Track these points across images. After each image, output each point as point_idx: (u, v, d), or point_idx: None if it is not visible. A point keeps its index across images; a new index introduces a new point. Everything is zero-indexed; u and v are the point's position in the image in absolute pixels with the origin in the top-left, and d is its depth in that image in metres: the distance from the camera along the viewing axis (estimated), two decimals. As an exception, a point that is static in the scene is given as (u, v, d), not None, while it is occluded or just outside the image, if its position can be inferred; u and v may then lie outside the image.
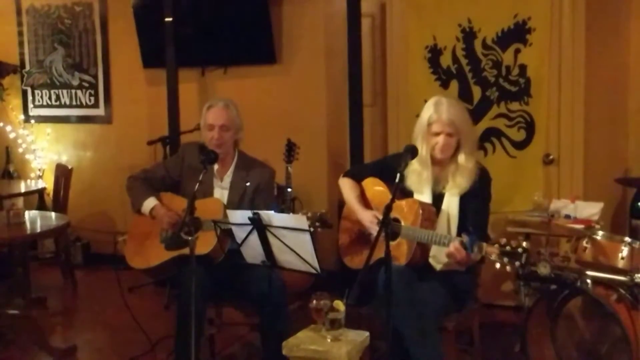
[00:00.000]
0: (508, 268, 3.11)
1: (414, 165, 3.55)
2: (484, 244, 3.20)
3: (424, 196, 3.62)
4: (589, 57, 4.89)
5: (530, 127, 5.06)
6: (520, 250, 3.08)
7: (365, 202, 3.81)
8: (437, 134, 3.52)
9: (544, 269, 3.70)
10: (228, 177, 4.01)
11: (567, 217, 4.30)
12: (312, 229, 3.28)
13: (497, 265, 3.14)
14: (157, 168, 4.25)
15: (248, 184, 3.96)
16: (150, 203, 3.95)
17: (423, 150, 3.53)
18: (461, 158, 3.55)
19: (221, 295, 3.91)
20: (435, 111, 3.51)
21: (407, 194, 3.63)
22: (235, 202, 3.88)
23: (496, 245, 3.15)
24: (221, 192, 3.98)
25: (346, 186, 3.88)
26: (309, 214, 3.49)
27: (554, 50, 4.93)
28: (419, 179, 3.59)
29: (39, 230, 4.81)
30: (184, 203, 3.70)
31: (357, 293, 2.74)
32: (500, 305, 5.09)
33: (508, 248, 3.10)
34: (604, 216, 4.44)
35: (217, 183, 4.00)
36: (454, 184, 3.55)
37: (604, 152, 5.10)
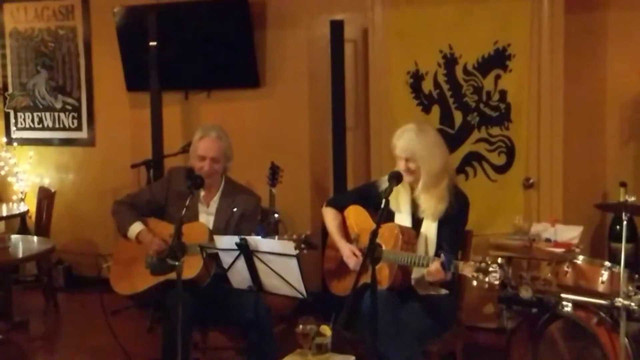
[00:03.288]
0: (486, 285, 3.18)
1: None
2: (460, 263, 3.29)
3: (404, 215, 3.72)
4: (567, 83, 4.97)
5: (510, 152, 5.14)
6: (494, 266, 3.16)
7: (345, 231, 3.90)
8: (400, 159, 3.67)
9: (525, 293, 3.75)
10: (214, 203, 4.03)
11: (548, 240, 4.36)
12: (297, 252, 3.32)
13: (474, 283, 3.21)
14: (142, 193, 4.26)
15: (235, 209, 3.98)
16: (136, 228, 3.96)
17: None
18: (423, 182, 3.64)
19: (207, 320, 3.93)
20: (397, 138, 3.70)
21: (389, 215, 3.69)
22: (221, 228, 3.90)
23: (471, 263, 3.24)
24: (207, 218, 4.00)
25: (328, 216, 3.98)
26: (294, 236, 3.53)
27: (533, 76, 5.01)
28: (397, 199, 3.70)
29: (23, 255, 4.80)
30: (169, 228, 3.73)
31: (345, 318, 2.78)
32: (481, 327, 5.13)
33: (483, 265, 3.18)
34: (583, 239, 4.51)
35: (202, 208, 4.02)
36: (430, 209, 3.65)
37: (583, 176, 5.18)
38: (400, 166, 3.66)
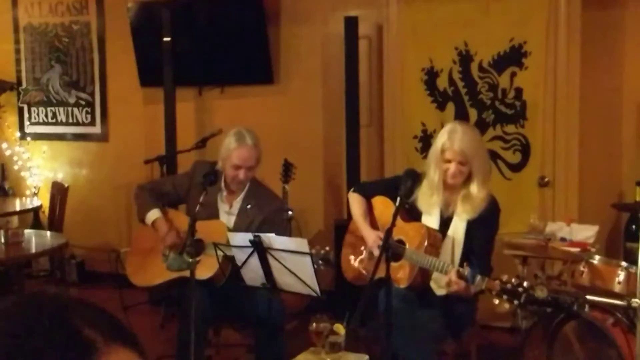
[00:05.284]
0: (506, 305, 3.11)
1: (425, 187, 3.59)
2: (486, 278, 3.18)
3: (432, 218, 3.63)
4: (583, 81, 4.94)
5: (525, 150, 5.10)
6: (520, 290, 3.05)
7: (371, 220, 3.82)
8: (449, 161, 3.52)
9: (540, 293, 3.70)
10: (237, 204, 3.92)
11: (563, 239, 4.33)
12: (315, 267, 3.27)
13: (496, 302, 3.13)
14: (165, 182, 4.24)
15: (252, 208, 3.89)
16: (153, 214, 3.92)
17: (436, 175, 3.54)
18: (473, 187, 3.54)
19: (221, 317, 3.92)
20: (449, 138, 3.51)
21: (416, 214, 3.64)
22: (242, 230, 3.77)
23: (497, 282, 3.12)
24: (227, 218, 3.90)
25: (355, 201, 3.87)
26: (313, 251, 3.41)
27: (549, 74, 4.98)
28: (428, 202, 3.62)
29: (36, 250, 4.80)
30: (187, 222, 3.71)
31: (359, 318, 2.76)
32: (496, 326, 5.10)
33: (509, 286, 3.07)
34: (599, 239, 4.47)
35: (224, 208, 3.92)
36: (463, 209, 3.56)
37: (599, 175, 5.14)
38: (451, 168, 3.50)
